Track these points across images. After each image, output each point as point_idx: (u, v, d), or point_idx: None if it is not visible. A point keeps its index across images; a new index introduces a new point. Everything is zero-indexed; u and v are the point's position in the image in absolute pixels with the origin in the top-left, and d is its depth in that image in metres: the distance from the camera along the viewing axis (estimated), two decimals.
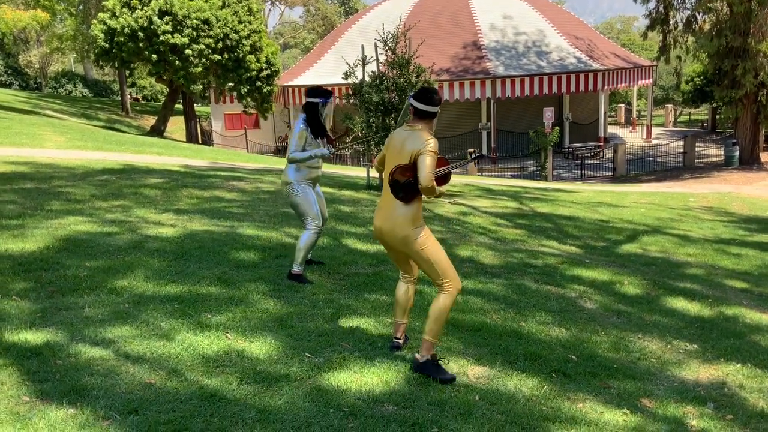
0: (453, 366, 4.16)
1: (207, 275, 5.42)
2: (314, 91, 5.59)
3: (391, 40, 11.33)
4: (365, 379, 3.83)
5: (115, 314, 4.48)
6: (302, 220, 5.61)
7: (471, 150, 6.10)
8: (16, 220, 6.79)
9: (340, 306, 5.05)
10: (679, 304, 5.95)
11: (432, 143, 3.78)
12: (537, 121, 25.58)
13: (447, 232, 8.44)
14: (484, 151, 27.77)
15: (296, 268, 5.53)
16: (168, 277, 5.30)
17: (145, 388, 3.48)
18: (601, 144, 28.98)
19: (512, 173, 25.23)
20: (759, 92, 24.17)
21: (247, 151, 30.31)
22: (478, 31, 29.64)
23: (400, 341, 4.30)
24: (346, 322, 4.70)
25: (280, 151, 32.39)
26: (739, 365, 4.60)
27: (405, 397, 3.67)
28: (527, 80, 27.09)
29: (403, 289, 4.26)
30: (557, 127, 25.24)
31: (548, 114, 25.23)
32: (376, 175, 12.16)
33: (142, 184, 9.76)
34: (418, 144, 3.80)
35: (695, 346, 4.93)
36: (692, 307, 5.87)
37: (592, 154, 28.29)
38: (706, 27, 25.54)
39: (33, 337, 4.00)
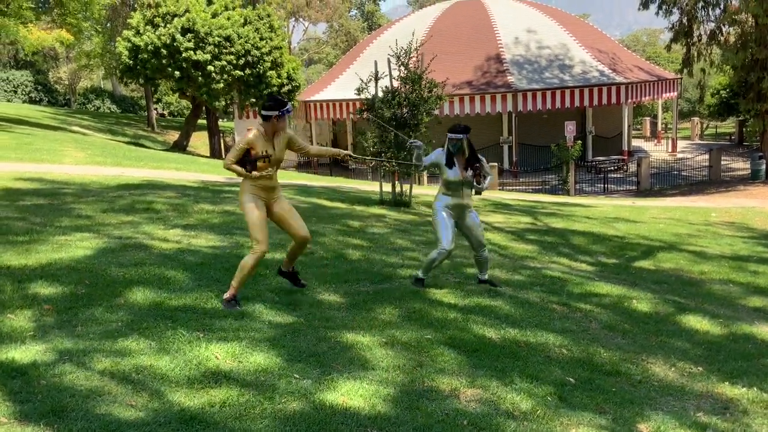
0: (445, 388, 4.07)
1: (204, 293, 5.40)
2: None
3: (404, 55, 11.31)
4: (352, 401, 3.75)
5: (106, 333, 4.47)
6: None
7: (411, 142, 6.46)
8: (23, 236, 6.86)
9: (337, 324, 4.99)
10: (688, 323, 5.78)
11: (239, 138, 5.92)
12: (559, 134, 25.37)
13: (454, 248, 8.33)
14: (506, 165, 27.62)
15: (419, 274, 6.28)
16: (165, 295, 5.29)
17: (126, 410, 3.45)
18: (625, 157, 28.64)
19: (534, 187, 25.03)
20: None
21: None
22: (499, 44, 29.57)
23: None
24: (341, 342, 4.63)
25: (301, 166, 32.57)
26: (744, 389, 4.44)
27: (391, 421, 3.59)
28: (549, 93, 26.92)
29: None
30: (579, 141, 25.02)
31: (570, 127, 25.01)
32: (389, 189, 12.12)
33: (154, 199, 9.82)
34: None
35: (700, 368, 4.77)
36: (701, 327, 5.69)
37: (616, 167, 27.96)
38: (731, 39, 25.19)
39: (21, 356, 4.00)
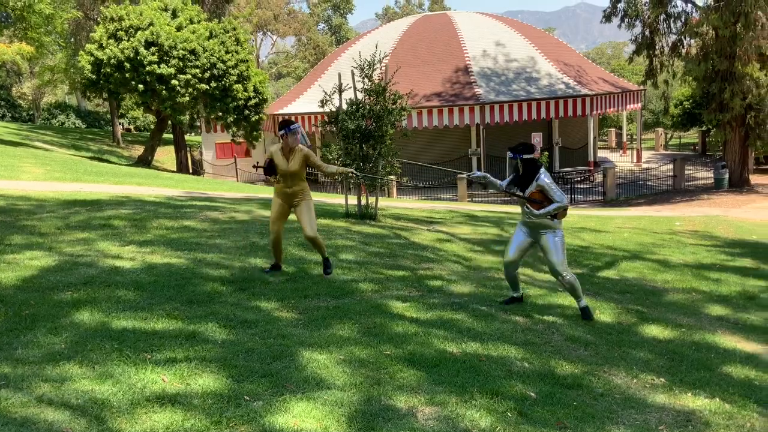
0: (402, 406, 3.93)
1: (155, 311, 5.20)
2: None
3: (367, 67, 11.23)
4: (304, 424, 3.60)
5: (49, 355, 4.25)
6: None
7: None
8: None
9: (293, 342, 4.83)
10: (651, 333, 5.74)
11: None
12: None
13: (420, 260, 8.24)
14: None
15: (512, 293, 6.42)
16: (113, 314, 5.08)
17: None
18: (591, 168, 28.94)
19: (503, 198, 25.11)
20: (747, 115, 24.20)
21: (237, 180, 30.19)
22: (467, 57, 29.76)
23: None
24: (296, 360, 4.47)
25: (270, 180, 32.28)
26: (707, 400, 4.38)
27: None
28: (516, 106, 27.12)
29: None
30: (546, 152, 25.22)
31: (536, 139, 25.23)
32: (355, 202, 11.99)
33: (112, 215, 9.56)
34: None
35: (662, 379, 4.71)
36: (664, 337, 5.65)
37: (582, 178, 28.23)
38: (693, 51, 25.66)
39: None
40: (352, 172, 6.81)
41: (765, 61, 22.86)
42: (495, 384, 4.38)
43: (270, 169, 6.46)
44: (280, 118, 30.25)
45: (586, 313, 6.00)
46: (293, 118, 29.42)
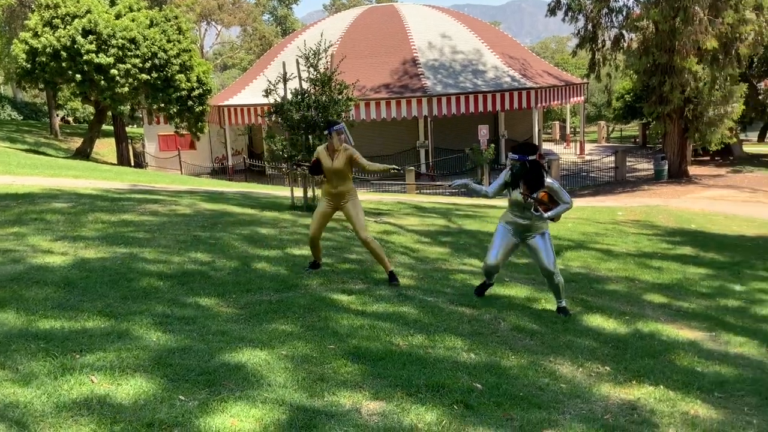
0: (346, 402, 3.81)
1: (86, 309, 4.94)
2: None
3: (312, 56, 11.02)
4: (242, 424, 3.43)
5: None
6: None
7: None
8: None
9: (233, 338, 4.64)
10: (595, 322, 5.76)
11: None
12: (474, 138, 25.71)
13: (367, 252, 8.10)
14: (423, 169, 27.75)
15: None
16: (40, 312, 4.79)
17: None
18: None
19: (450, 191, 25.23)
20: (685, 108, 24.88)
21: (181, 173, 29.50)
22: (414, 49, 29.75)
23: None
24: (236, 357, 4.29)
25: (216, 172, 31.69)
26: (651, 388, 4.39)
27: None
28: (463, 98, 27.26)
29: None
30: (493, 145, 25.43)
31: (483, 131, 25.42)
32: (301, 195, 11.78)
33: (46, 209, 9.14)
34: None
35: (608, 367, 4.71)
36: (608, 325, 5.68)
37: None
38: (634, 45, 26.22)
39: None
40: (395, 169, 6.51)
41: (703, 55, 23.52)
42: (441, 376, 4.30)
43: (316, 168, 6.46)
44: (226, 110, 29.76)
45: (566, 312, 5.88)
46: (240, 110, 28.95)
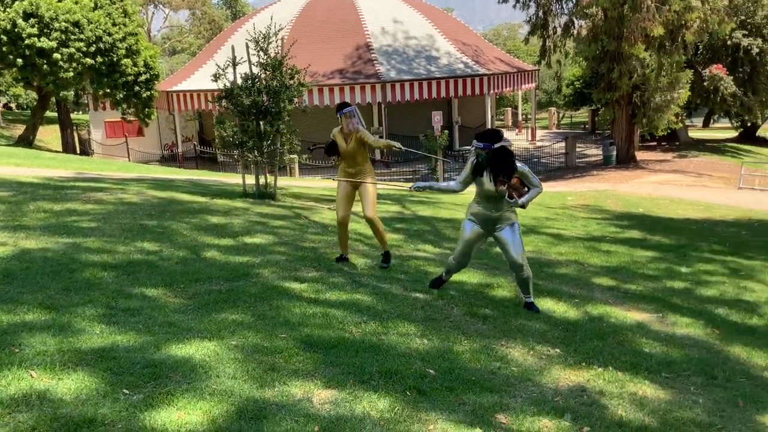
0: (297, 392, 3.74)
1: (26, 301, 4.74)
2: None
3: (262, 40, 10.81)
4: (189, 417, 3.33)
5: None
6: None
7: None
8: None
9: (180, 329, 4.52)
10: (546, 305, 5.82)
11: None
12: (428, 124, 25.75)
13: (320, 240, 8.03)
14: (377, 156, 27.68)
15: (442, 275, 6.08)
16: None
17: None
18: None
19: (405, 177, 25.23)
20: (633, 94, 25.38)
21: (129, 161, 28.77)
22: (367, 35, 29.55)
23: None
24: (183, 349, 4.18)
25: (166, 160, 31.00)
26: (600, 369, 4.45)
27: None
28: (417, 84, 27.23)
29: None
30: (446, 131, 25.51)
31: (437, 117, 25.47)
32: (253, 182, 11.59)
33: None
34: None
35: (558, 350, 4.76)
36: (558, 309, 5.75)
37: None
38: (584, 32, 26.60)
39: None
40: (396, 146, 6.32)
41: (650, 42, 23.99)
42: (394, 363, 4.27)
43: (331, 149, 6.56)
44: (175, 96, 29.08)
45: (533, 307, 5.65)
46: (189, 96, 28.32)
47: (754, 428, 3.81)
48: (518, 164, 5.29)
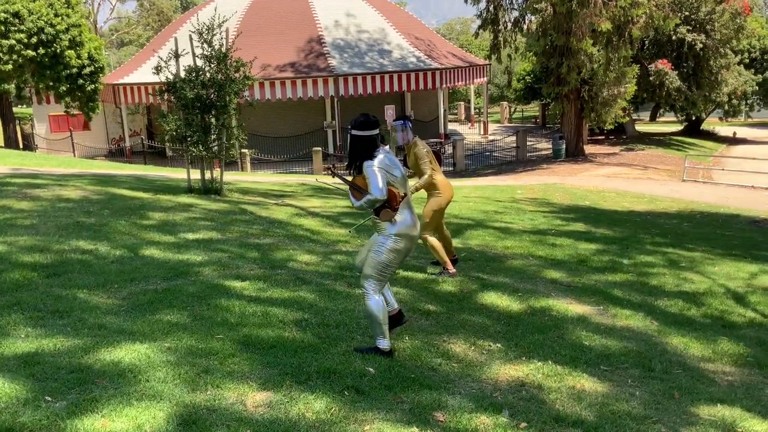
0: (231, 395, 3.64)
1: None
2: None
3: (206, 32, 10.56)
4: (114, 424, 3.20)
5: None
6: None
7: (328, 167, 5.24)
8: None
9: (111, 331, 4.36)
10: (490, 299, 5.82)
11: None
12: (381, 119, 25.66)
13: (265, 236, 7.90)
14: (331, 150, 27.50)
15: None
16: None
17: None
18: (442, 140, 29.67)
19: (359, 171, 25.15)
20: (582, 88, 25.75)
21: (74, 156, 27.92)
22: (319, 27, 29.28)
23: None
24: (112, 353, 4.02)
25: (113, 154, 30.20)
26: (540, 363, 4.46)
27: None
28: (369, 78, 27.12)
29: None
30: None
31: (389, 112, 25.43)
32: (198, 176, 11.33)
33: None
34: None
35: (499, 345, 4.75)
36: (502, 303, 5.75)
37: (434, 150, 28.88)
38: (533, 27, 26.85)
39: None
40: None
41: (598, 38, 24.36)
42: (333, 362, 4.20)
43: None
44: (121, 89, 28.33)
45: (381, 353, 4.34)
46: (136, 89, 27.61)
47: (687, 420, 3.86)
48: (368, 162, 4.21)
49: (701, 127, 38.47)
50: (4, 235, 6.63)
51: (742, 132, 38.69)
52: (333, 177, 4.60)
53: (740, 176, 20.36)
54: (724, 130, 39.15)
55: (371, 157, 4.25)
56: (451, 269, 6.55)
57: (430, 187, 6.67)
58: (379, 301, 4.30)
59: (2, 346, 3.98)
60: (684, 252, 8.81)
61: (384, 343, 4.34)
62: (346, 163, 4.54)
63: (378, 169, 4.21)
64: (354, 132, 4.30)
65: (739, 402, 4.14)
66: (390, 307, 4.53)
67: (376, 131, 4.33)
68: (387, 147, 4.43)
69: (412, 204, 4.49)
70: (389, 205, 4.25)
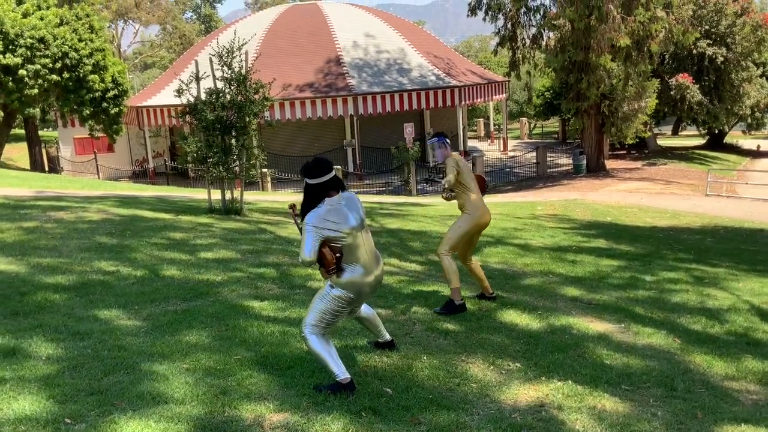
0: (248, 416, 3.64)
1: None
2: None
3: (226, 54, 10.72)
4: None
5: None
6: None
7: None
8: None
9: (131, 353, 4.40)
10: (509, 317, 5.78)
11: None
12: (400, 136, 25.76)
13: (284, 256, 7.93)
14: (351, 168, 27.62)
15: None
16: None
17: None
18: (462, 157, 29.66)
19: (378, 189, 25.20)
20: (602, 103, 25.64)
21: (98, 177, 28.35)
22: (338, 48, 29.56)
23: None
24: (132, 374, 4.06)
25: (137, 176, 30.61)
26: (560, 383, 4.40)
27: None
28: (388, 96, 27.27)
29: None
30: (419, 142, 25.54)
31: (408, 129, 25.49)
32: (219, 197, 11.45)
33: None
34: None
35: (518, 364, 4.71)
36: (521, 321, 5.70)
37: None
38: (552, 43, 26.86)
39: None
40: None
41: (617, 53, 24.29)
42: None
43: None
44: (144, 111, 28.80)
45: (341, 387, 4.00)
46: (159, 111, 28.05)
47: None
48: (308, 216, 3.96)
49: (724, 141, 38.03)
50: (27, 257, 6.74)
51: (767, 145, 38.17)
52: (294, 218, 4.41)
53: (765, 190, 20.06)
54: (748, 143, 38.66)
55: (315, 207, 3.98)
56: (458, 298, 5.86)
57: (462, 206, 6.08)
58: (314, 337, 4.04)
59: (24, 368, 4.03)
60: (707, 268, 8.68)
61: (341, 375, 3.99)
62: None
63: (312, 228, 3.91)
64: (310, 181, 4.01)
65: (764, 422, 4.05)
66: (382, 338, 4.76)
67: (325, 177, 3.99)
68: (346, 193, 4.15)
69: (370, 250, 4.16)
70: (322, 265, 3.99)
